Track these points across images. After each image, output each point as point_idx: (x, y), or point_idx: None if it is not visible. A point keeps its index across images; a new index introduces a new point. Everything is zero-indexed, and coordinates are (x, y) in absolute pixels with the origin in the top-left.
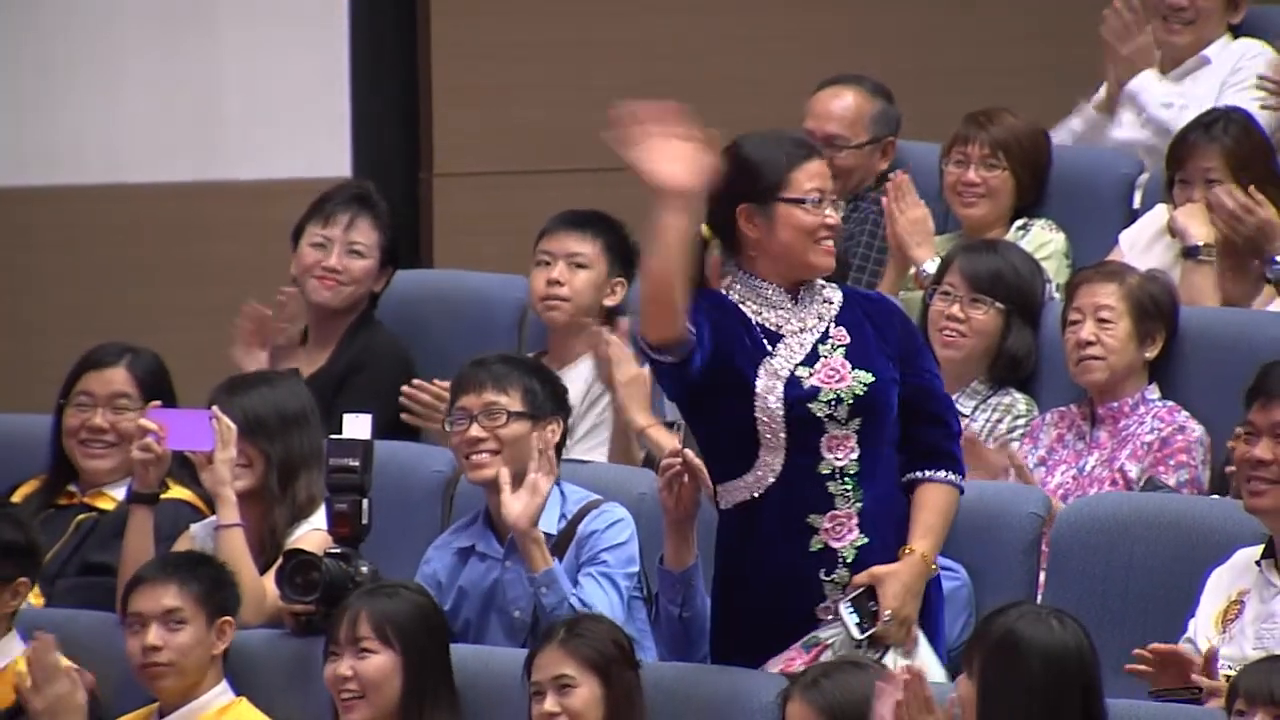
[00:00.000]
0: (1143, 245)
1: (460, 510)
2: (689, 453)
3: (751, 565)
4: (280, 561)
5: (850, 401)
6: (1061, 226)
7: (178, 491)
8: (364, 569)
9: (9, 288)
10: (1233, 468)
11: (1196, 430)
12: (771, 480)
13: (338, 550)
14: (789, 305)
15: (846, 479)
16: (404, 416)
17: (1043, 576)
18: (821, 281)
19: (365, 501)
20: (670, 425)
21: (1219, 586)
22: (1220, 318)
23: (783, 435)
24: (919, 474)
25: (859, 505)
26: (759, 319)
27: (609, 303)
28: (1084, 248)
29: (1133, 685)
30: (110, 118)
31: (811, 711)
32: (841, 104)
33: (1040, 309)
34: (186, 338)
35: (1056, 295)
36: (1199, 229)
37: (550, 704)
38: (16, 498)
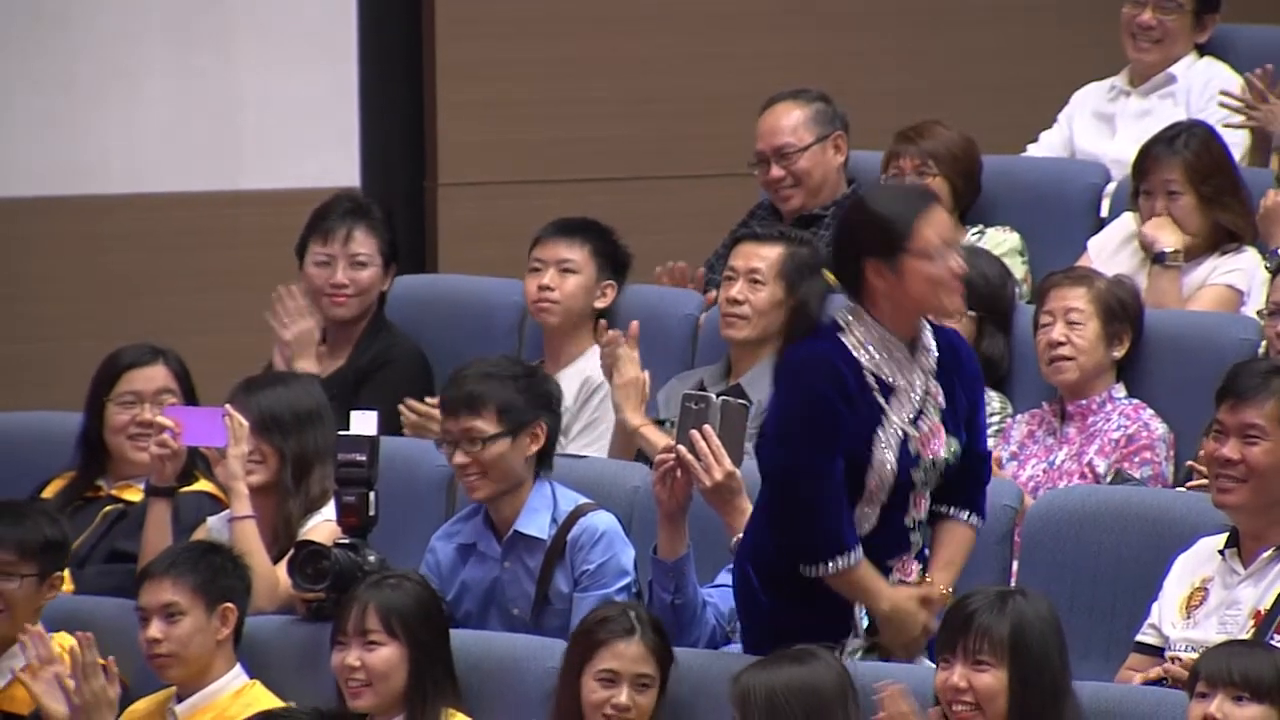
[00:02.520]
0: (1110, 251)
1: (463, 502)
2: (681, 449)
3: (822, 600)
4: (291, 552)
5: (942, 469)
6: (1032, 234)
7: (203, 484)
8: (371, 558)
9: (33, 293)
10: (1192, 482)
11: (1160, 428)
12: (866, 529)
13: (346, 541)
14: (907, 359)
15: (921, 528)
16: (405, 432)
17: (1015, 565)
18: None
19: (372, 494)
20: (662, 424)
21: (1183, 573)
22: (1185, 320)
23: (885, 495)
24: (946, 509)
25: (920, 547)
26: (873, 366)
27: (599, 305)
28: (1053, 254)
29: (1100, 668)
30: (132, 131)
31: (750, 693)
32: (782, 118)
33: (1011, 313)
34: (205, 340)
35: (1017, 288)
36: (1167, 237)
37: (626, 698)
38: (48, 493)
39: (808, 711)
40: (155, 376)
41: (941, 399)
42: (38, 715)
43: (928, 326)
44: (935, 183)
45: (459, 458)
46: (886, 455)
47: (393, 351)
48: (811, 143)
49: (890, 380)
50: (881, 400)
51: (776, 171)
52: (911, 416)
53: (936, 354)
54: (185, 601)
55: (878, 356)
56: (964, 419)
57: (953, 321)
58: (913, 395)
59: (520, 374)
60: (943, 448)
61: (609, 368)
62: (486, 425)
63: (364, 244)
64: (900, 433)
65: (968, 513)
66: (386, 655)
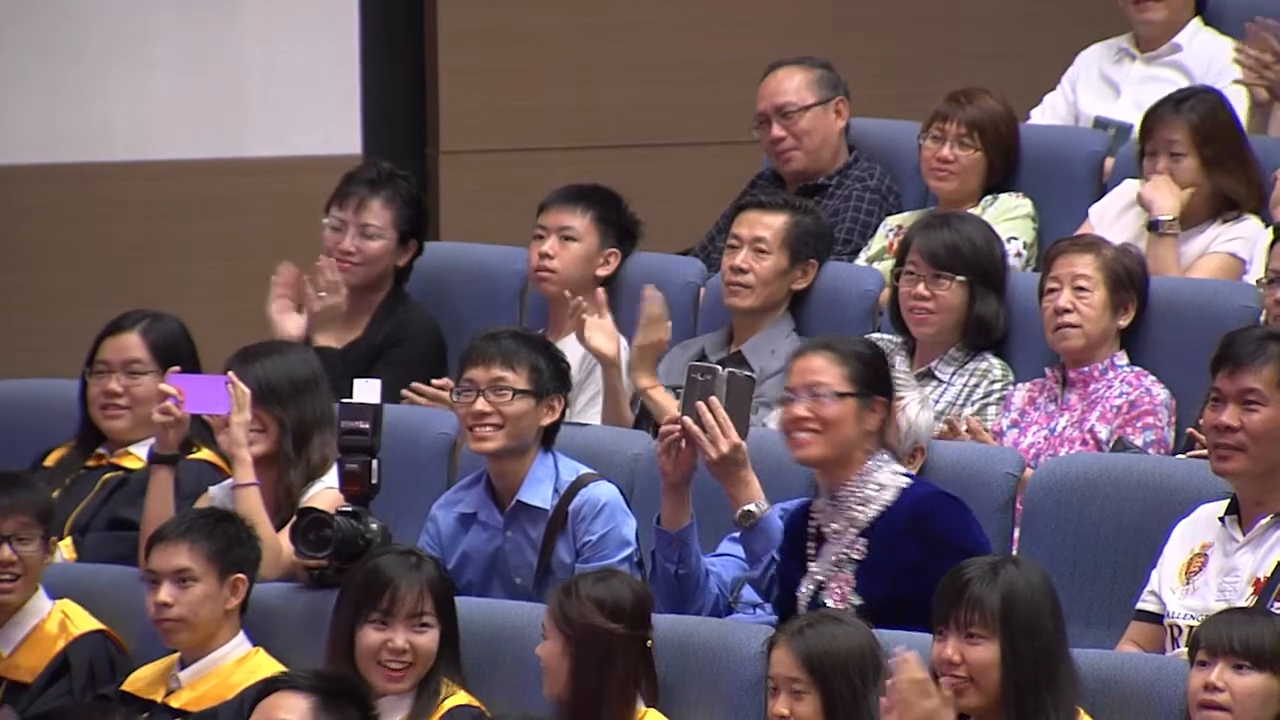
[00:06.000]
0: (1111, 218)
1: (464, 470)
2: (687, 420)
3: None
4: (294, 519)
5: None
6: (1034, 201)
7: (204, 453)
8: (373, 526)
9: (41, 260)
10: (1193, 451)
11: (1162, 394)
12: None
13: (349, 508)
14: (830, 506)
15: None
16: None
17: (1016, 533)
18: (883, 479)
19: (375, 462)
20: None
21: (1182, 540)
22: (1186, 288)
23: None
24: None
25: None
26: (816, 517)
27: (601, 273)
28: (1055, 221)
29: (1102, 636)
30: (136, 99)
31: (794, 658)
32: (783, 80)
33: (1003, 274)
34: (210, 307)
35: (1024, 252)
36: (1164, 201)
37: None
38: (49, 461)
39: (864, 671)
40: (126, 346)
41: (863, 552)
42: (54, 676)
43: (888, 486)
44: (972, 156)
45: (480, 405)
46: (808, 593)
47: (409, 328)
48: (813, 103)
49: (820, 529)
50: (812, 550)
51: (777, 131)
52: (833, 563)
53: (885, 504)
54: (199, 568)
55: (817, 507)
56: (907, 569)
57: (944, 289)
58: (840, 542)
59: (548, 348)
60: (848, 600)
61: (582, 333)
62: (518, 380)
63: (377, 215)
64: (815, 584)
65: None
66: (434, 636)
